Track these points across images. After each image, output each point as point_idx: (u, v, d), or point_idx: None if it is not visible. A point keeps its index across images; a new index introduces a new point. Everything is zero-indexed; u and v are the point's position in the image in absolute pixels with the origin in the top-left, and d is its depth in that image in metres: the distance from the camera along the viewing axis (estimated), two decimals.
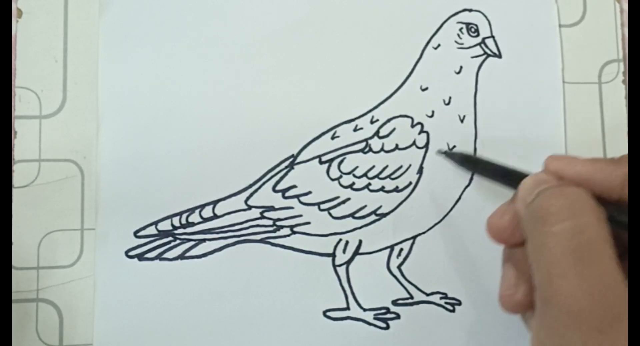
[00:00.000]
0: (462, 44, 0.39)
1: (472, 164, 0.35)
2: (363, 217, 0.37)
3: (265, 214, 0.37)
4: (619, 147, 0.39)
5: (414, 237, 0.38)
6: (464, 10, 0.39)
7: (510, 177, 0.32)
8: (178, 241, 0.36)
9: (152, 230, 0.36)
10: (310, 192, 0.37)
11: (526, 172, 0.31)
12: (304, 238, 0.37)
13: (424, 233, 0.38)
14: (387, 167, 0.37)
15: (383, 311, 0.37)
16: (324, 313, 0.37)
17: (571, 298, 0.25)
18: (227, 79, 0.37)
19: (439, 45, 0.39)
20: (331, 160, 0.37)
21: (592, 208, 0.26)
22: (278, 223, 0.37)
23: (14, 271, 0.35)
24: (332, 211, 0.37)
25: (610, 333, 0.24)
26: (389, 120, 0.38)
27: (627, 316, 0.25)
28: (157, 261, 0.36)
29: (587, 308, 0.25)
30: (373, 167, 0.37)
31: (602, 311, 0.24)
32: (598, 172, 0.29)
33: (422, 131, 0.38)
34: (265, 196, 0.37)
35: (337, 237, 0.37)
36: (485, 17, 0.39)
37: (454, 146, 0.38)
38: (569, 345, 0.25)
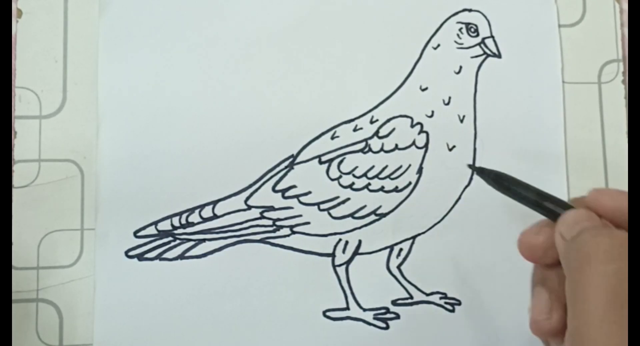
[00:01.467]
0: (461, 44, 0.39)
1: (504, 185, 0.32)
2: (363, 217, 0.37)
3: (265, 214, 0.37)
4: (619, 147, 0.39)
5: (414, 237, 0.38)
6: (464, 10, 0.39)
7: (544, 205, 0.30)
8: (178, 241, 0.36)
9: (152, 230, 0.36)
10: (310, 192, 0.37)
11: (561, 200, 0.30)
12: (304, 238, 0.37)
13: (423, 233, 0.38)
14: (386, 167, 0.37)
15: (383, 311, 0.37)
16: (324, 313, 0.37)
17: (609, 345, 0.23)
18: (226, 79, 0.37)
19: (438, 45, 0.39)
20: (331, 160, 0.37)
21: None
22: (278, 223, 0.37)
23: (14, 271, 0.35)
24: (331, 211, 0.37)
25: None
26: (388, 120, 0.38)
27: None
28: (157, 261, 0.36)
29: None
30: (373, 167, 0.37)
31: None
32: None
33: (421, 131, 0.38)
34: (265, 196, 0.37)
35: (337, 237, 0.37)
36: (485, 17, 0.39)
37: (454, 146, 0.38)
38: None
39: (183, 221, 0.36)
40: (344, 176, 0.37)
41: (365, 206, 0.37)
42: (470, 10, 0.39)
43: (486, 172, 0.33)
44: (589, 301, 0.24)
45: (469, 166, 0.37)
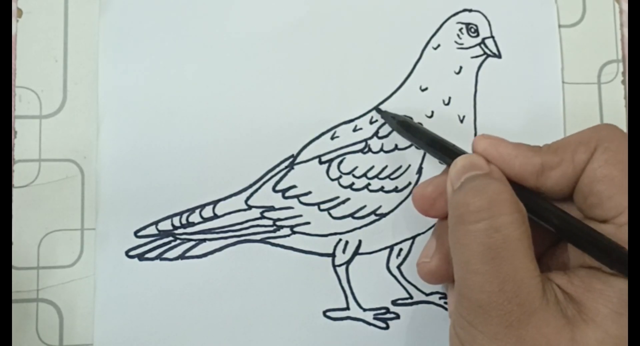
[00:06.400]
0: (461, 44, 0.39)
1: (409, 131, 0.36)
2: (363, 217, 0.37)
3: (266, 214, 0.37)
4: None
5: (414, 237, 0.38)
6: (464, 10, 0.39)
7: (444, 152, 0.33)
8: (178, 241, 0.36)
9: (152, 230, 0.36)
10: (310, 192, 0.37)
11: (462, 150, 0.32)
12: (304, 238, 0.37)
13: (423, 233, 0.38)
14: (386, 167, 0.37)
15: (383, 311, 0.37)
16: (324, 313, 0.37)
17: (483, 293, 0.26)
18: (227, 79, 0.37)
19: (438, 45, 0.39)
20: (331, 160, 0.37)
21: (511, 205, 0.27)
22: (278, 223, 0.37)
23: (14, 271, 0.35)
24: (332, 211, 0.37)
25: (519, 328, 0.26)
26: None
27: (538, 312, 0.26)
28: (157, 261, 0.36)
29: (497, 303, 0.26)
30: (372, 167, 0.37)
31: (512, 307, 0.26)
32: (518, 157, 0.30)
33: None
34: (265, 196, 0.37)
35: (337, 237, 0.37)
36: (485, 17, 0.39)
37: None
38: (480, 337, 0.26)
39: (184, 221, 0.36)
40: (344, 176, 0.37)
41: (365, 206, 0.37)
42: (470, 11, 0.39)
43: (390, 116, 0.36)
44: (463, 255, 0.27)
45: (377, 111, 0.38)
